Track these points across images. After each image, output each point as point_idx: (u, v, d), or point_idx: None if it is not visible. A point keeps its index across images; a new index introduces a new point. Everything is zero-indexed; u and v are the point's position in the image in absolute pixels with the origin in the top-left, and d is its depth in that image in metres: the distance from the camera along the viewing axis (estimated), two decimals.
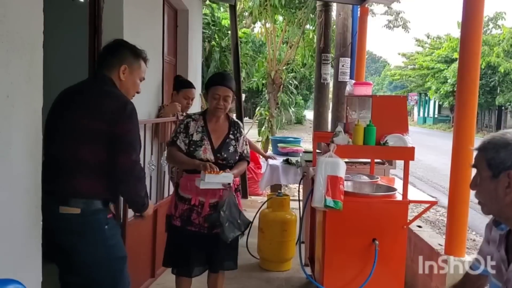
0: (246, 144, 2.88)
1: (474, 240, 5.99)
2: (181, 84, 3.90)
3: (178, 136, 2.76)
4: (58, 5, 3.68)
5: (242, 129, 2.87)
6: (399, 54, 34.30)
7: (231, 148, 2.76)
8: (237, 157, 2.80)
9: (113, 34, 2.77)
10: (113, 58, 2.11)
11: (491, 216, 1.54)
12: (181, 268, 2.79)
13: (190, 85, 3.95)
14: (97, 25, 2.86)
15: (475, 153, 1.42)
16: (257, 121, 11.16)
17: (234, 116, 6.70)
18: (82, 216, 1.84)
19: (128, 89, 2.14)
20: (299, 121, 27.41)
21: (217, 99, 2.71)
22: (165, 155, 3.43)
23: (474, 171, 1.45)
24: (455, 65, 22.52)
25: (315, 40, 8.63)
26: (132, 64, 2.12)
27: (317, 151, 3.92)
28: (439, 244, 3.09)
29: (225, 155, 2.73)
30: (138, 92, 2.23)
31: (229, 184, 2.63)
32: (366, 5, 5.30)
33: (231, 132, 2.80)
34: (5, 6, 1.45)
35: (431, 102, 34.80)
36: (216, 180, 2.58)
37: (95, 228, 1.91)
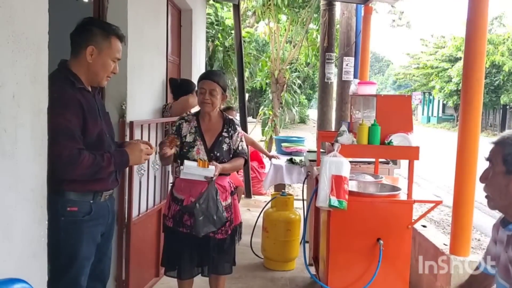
0: (241, 141, 2.83)
1: (479, 240, 5.98)
2: (188, 85, 3.87)
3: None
4: (62, 5, 3.69)
5: (237, 126, 2.83)
6: (403, 53, 34.24)
7: (225, 146, 2.74)
8: (230, 155, 2.77)
9: None
10: (80, 38, 2.01)
11: (497, 216, 1.53)
12: (173, 270, 2.77)
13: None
14: None
15: (491, 147, 1.41)
16: (261, 121, 11.17)
17: (237, 115, 6.71)
18: (49, 202, 1.79)
19: (97, 71, 2.03)
20: (303, 120, 27.39)
21: (203, 94, 2.70)
22: None
23: (484, 166, 1.44)
24: (459, 64, 22.46)
25: (318, 40, 8.62)
26: (100, 44, 2.00)
27: (321, 150, 3.92)
28: (444, 244, 3.08)
29: (218, 154, 2.70)
30: (114, 73, 2.10)
31: (211, 178, 2.58)
32: (370, 4, 5.29)
33: (224, 130, 2.77)
34: (11, 7, 1.45)
35: (435, 101, 34.68)
36: (196, 171, 2.56)
37: (53, 215, 1.84)
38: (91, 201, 2.04)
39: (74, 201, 1.99)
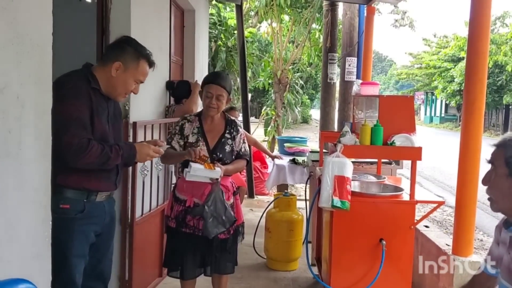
0: (244, 142, 2.84)
1: (481, 240, 5.96)
2: (184, 87, 3.84)
3: (173, 138, 2.77)
4: (66, 6, 3.70)
5: (239, 127, 2.83)
6: (405, 53, 34.27)
7: (227, 147, 2.75)
8: (233, 157, 2.78)
9: (120, 34, 2.78)
10: (111, 52, 2.09)
11: (500, 216, 1.53)
12: (175, 270, 2.78)
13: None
14: (105, 26, 2.88)
15: (493, 149, 1.40)
16: (263, 121, 11.18)
17: (240, 115, 6.72)
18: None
19: (115, 86, 2.09)
20: (305, 120, 27.41)
21: (210, 98, 2.69)
22: None
23: (486, 167, 1.43)
24: (462, 64, 22.40)
25: (321, 40, 8.63)
26: (128, 62, 2.08)
27: (324, 151, 3.92)
28: (447, 244, 3.07)
29: (220, 155, 2.71)
30: (134, 93, 2.16)
31: (217, 179, 2.59)
32: (373, 5, 5.29)
33: (227, 131, 2.77)
34: (15, 8, 1.46)
35: (438, 101, 34.59)
36: (203, 174, 2.56)
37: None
38: (85, 200, 2.05)
39: (68, 198, 2.00)
